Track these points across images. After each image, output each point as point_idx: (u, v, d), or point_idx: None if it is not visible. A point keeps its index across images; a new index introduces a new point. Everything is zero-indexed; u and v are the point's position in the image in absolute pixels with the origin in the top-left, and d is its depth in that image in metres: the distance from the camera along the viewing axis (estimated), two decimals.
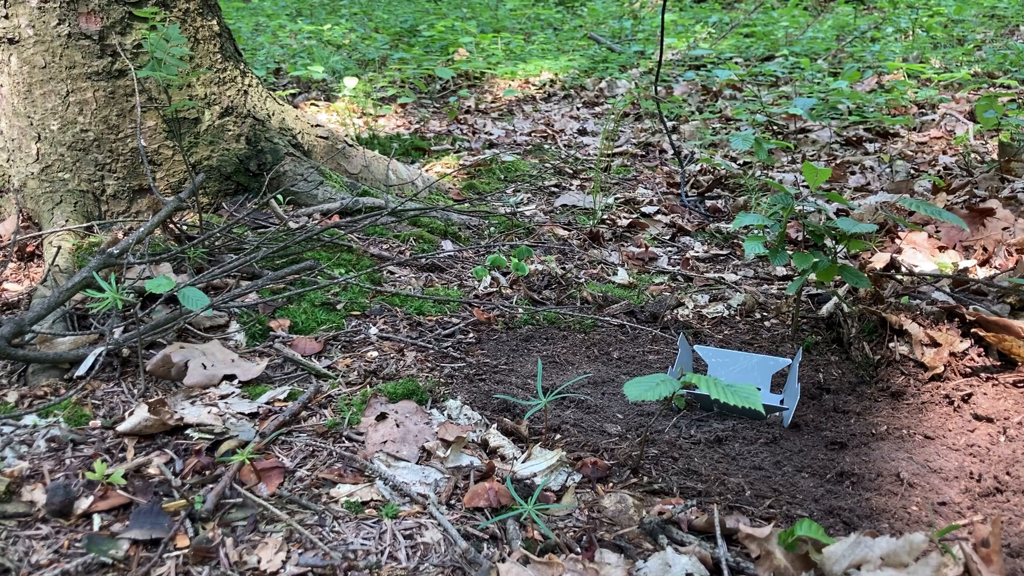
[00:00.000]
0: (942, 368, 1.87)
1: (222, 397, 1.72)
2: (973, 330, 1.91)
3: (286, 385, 1.79)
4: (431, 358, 1.97)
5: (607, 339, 2.22)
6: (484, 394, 1.81)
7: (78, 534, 1.30)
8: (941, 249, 2.60)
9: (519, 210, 3.32)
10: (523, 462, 1.55)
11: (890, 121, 4.24)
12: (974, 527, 1.28)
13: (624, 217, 3.25)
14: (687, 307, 2.40)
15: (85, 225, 2.43)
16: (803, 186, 3.54)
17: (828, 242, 2.10)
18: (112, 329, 1.84)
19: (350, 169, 3.19)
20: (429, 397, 1.77)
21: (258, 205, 2.64)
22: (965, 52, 6.26)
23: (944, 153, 3.93)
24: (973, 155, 3.70)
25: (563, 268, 2.65)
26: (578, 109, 5.47)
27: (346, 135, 3.72)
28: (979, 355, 1.87)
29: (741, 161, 4.09)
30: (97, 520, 1.33)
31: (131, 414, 1.59)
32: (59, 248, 2.24)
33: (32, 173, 2.50)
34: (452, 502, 1.44)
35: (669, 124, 4.79)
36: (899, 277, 2.30)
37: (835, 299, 2.21)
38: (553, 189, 3.68)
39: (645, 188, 3.71)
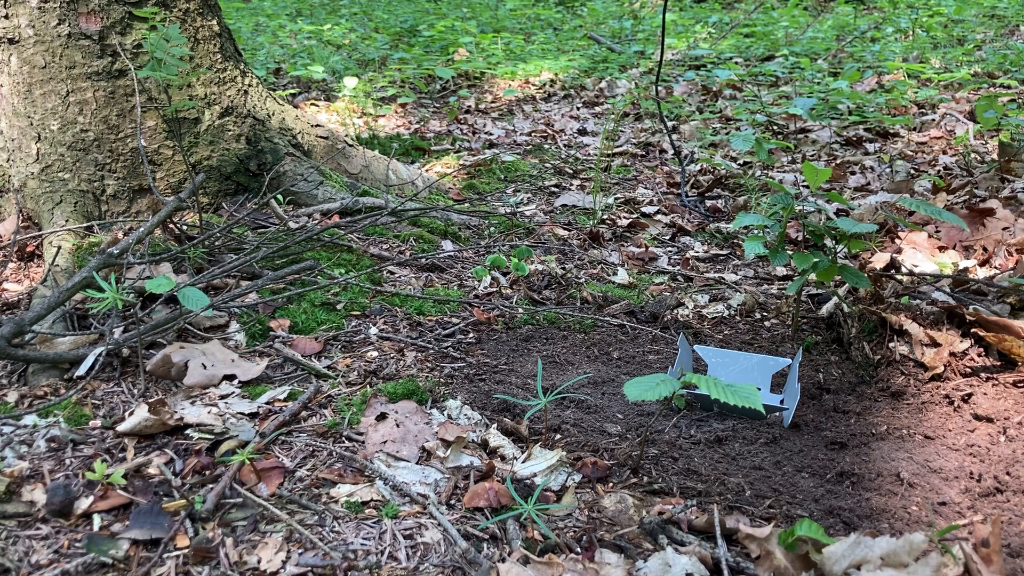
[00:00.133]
0: (942, 368, 1.87)
1: (222, 397, 1.72)
2: (973, 330, 1.91)
3: (286, 385, 1.79)
4: (431, 358, 1.97)
5: (607, 339, 2.22)
6: (484, 394, 1.81)
7: (78, 534, 1.30)
8: (941, 249, 2.60)
9: (519, 210, 3.32)
10: (523, 462, 1.55)
11: (890, 121, 4.24)
12: (974, 527, 1.28)
13: (624, 217, 3.25)
14: (687, 307, 2.40)
15: (85, 225, 2.43)
16: (803, 186, 3.54)
17: (828, 242, 2.10)
18: (112, 329, 1.84)
19: (350, 169, 3.19)
20: (429, 397, 1.77)
21: (258, 205, 2.64)
22: (965, 52, 6.26)
23: (944, 153, 3.93)
24: (973, 155, 3.70)
25: (563, 268, 2.65)
26: (578, 109, 5.47)
27: (346, 135, 3.72)
28: (979, 355, 1.88)
29: (741, 161, 4.09)
30: (97, 520, 1.33)
31: (131, 414, 1.59)
32: (59, 248, 2.24)
33: (32, 173, 2.50)
34: (452, 502, 1.44)
35: (669, 124, 4.79)
36: (899, 277, 2.30)
37: (835, 299, 2.21)
38: (553, 189, 3.67)
39: (645, 188, 3.71)
